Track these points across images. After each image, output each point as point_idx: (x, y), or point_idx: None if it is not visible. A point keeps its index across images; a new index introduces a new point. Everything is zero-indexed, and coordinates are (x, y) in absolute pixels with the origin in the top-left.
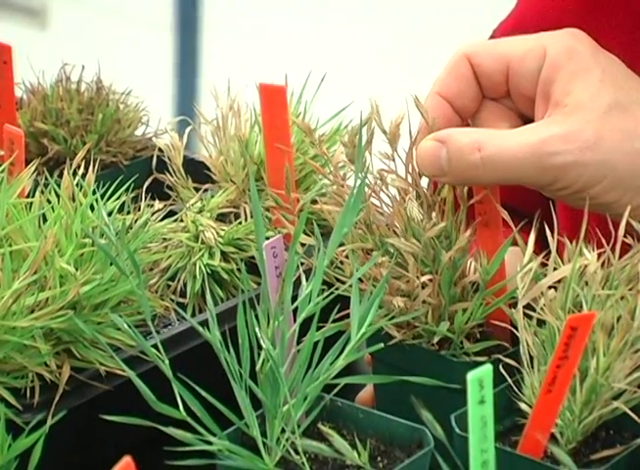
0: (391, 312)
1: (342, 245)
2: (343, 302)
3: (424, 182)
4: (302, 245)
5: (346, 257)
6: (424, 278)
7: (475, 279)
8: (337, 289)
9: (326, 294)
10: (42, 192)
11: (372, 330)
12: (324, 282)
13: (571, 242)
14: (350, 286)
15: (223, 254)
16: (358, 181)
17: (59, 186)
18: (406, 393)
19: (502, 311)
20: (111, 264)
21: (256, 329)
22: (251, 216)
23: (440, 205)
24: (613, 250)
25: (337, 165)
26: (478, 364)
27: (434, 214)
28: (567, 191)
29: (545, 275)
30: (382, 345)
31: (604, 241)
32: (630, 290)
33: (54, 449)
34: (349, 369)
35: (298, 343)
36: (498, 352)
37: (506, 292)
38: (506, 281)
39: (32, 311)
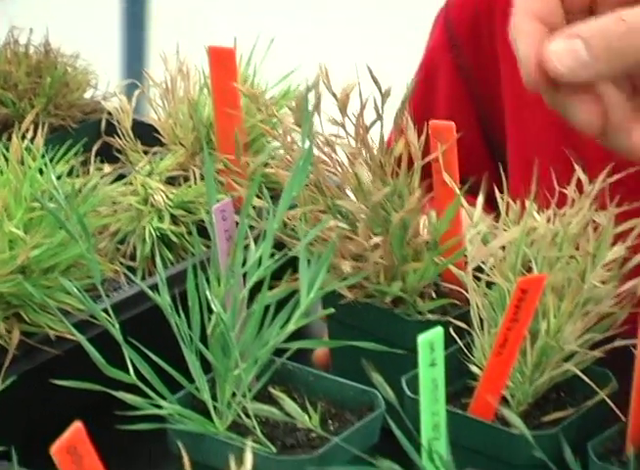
0: (343, 274)
1: (293, 208)
2: (297, 265)
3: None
4: (253, 208)
5: (300, 220)
6: (374, 240)
7: (427, 239)
8: (287, 252)
9: (277, 257)
10: None
11: (321, 293)
12: (279, 246)
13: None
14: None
15: (173, 217)
16: (306, 144)
17: (7, 150)
18: (359, 353)
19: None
20: (60, 228)
21: (207, 292)
22: (202, 179)
23: (394, 166)
24: (561, 210)
25: (286, 129)
26: (430, 323)
27: (384, 176)
28: None
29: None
30: (332, 309)
31: (553, 202)
32: (579, 249)
33: (4, 415)
34: (304, 329)
35: (250, 307)
36: (454, 311)
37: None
38: (456, 240)
39: None
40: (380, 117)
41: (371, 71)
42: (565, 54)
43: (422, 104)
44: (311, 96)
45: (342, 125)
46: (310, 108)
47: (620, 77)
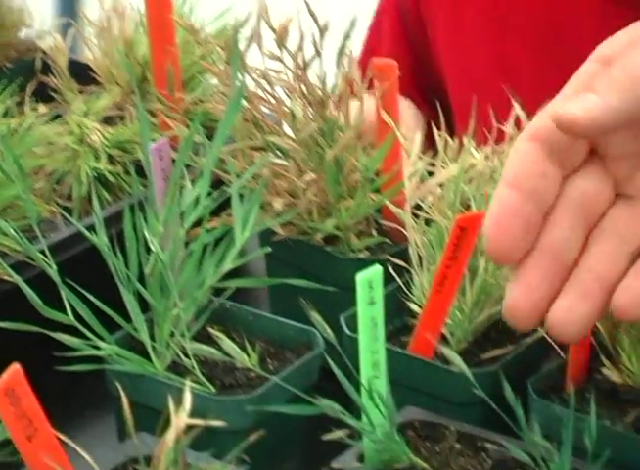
0: (276, 212)
1: (230, 144)
2: None
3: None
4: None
5: (233, 157)
6: (307, 177)
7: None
8: (224, 190)
9: (215, 195)
10: None
11: (254, 231)
12: (219, 183)
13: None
14: (239, 187)
15: (109, 157)
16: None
17: None
18: (298, 292)
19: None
20: None
21: (145, 232)
22: (138, 118)
23: (336, 103)
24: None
25: (221, 66)
26: (367, 261)
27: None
28: None
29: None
30: (268, 248)
31: (491, 139)
32: None
33: None
34: (243, 268)
35: (188, 246)
36: (392, 249)
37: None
38: (389, 176)
39: None
40: (318, 52)
41: (308, 6)
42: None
43: (373, 39)
44: (248, 32)
45: (280, 60)
46: (245, 43)
47: None
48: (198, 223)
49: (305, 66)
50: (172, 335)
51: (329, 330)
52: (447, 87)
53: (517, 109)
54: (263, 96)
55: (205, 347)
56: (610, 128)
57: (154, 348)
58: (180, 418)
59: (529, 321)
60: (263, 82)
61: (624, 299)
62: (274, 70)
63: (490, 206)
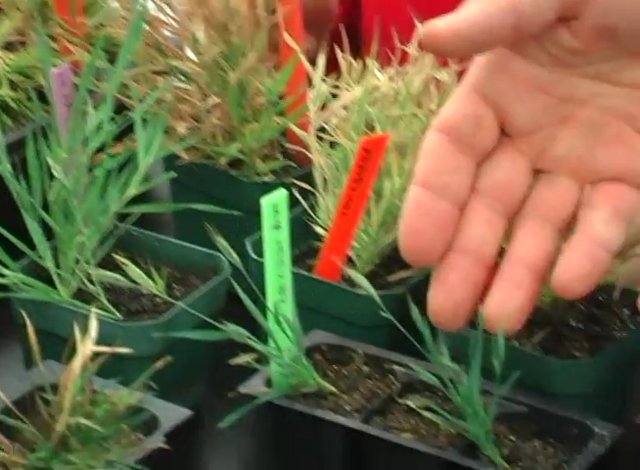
0: (180, 137)
1: (132, 69)
2: None
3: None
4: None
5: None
6: (210, 100)
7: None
8: (127, 116)
9: (118, 121)
10: None
11: (158, 156)
12: (122, 108)
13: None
14: (143, 112)
15: (11, 83)
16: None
17: None
18: (203, 217)
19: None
20: None
21: (48, 159)
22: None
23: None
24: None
25: None
26: (272, 185)
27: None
28: None
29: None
30: (173, 173)
31: (394, 60)
32: (421, 108)
33: None
34: (148, 194)
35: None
36: (297, 172)
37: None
38: (294, 99)
39: None
40: None
41: None
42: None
43: None
44: None
45: None
46: None
47: None
48: (101, 149)
49: None
50: (77, 262)
51: (234, 255)
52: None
53: (420, 30)
54: (165, 20)
55: (110, 273)
56: (481, 44)
57: (59, 275)
58: (86, 345)
59: (455, 321)
60: (164, 6)
61: (566, 277)
62: None
63: (404, 206)
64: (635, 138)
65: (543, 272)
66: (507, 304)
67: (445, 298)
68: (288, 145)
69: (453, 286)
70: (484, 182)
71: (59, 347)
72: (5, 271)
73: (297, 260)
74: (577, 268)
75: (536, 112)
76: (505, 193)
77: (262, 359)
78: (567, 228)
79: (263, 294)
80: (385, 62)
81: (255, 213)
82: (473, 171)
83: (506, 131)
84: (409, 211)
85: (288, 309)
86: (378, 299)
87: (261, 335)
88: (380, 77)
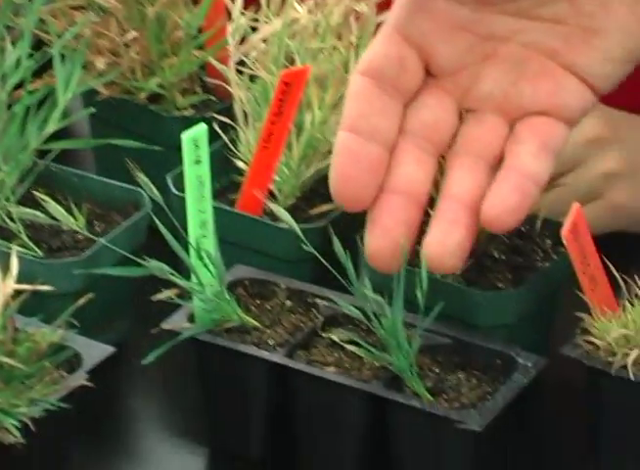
0: (98, 72)
1: (49, 4)
2: None
3: None
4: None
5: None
6: (129, 35)
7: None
8: (45, 51)
9: (36, 57)
10: None
11: (77, 91)
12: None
13: None
14: (61, 47)
15: None
16: None
17: None
18: (124, 152)
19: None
20: None
21: None
22: None
23: None
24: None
25: None
26: (192, 119)
27: None
28: None
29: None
30: (92, 108)
31: None
32: (341, 40)
33: None
34: (67, 130)
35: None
36: (217, 106)
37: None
38: (213, 32)
39: None
40: None
41: None
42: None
43: None
44: None
45: None
46: None
47: None
48: (20, 85)
49: None
50: None
51: (155, 190)
52: None
53: None
54: None
55: (30, 210)
56: None
57: None
58: (7, 283)
59: (393, 263)
60: None
61: (495, 211)
62: None
63: (334, 152)
64: (559, 72)
65: (478, 207)
66: (447, 242)
67: (382, 240)
68: (207, 79)
69: (388, 227)
70: (412, 123)
71: None
72: None
73: (218, 195)
74: (506, 202)
75: (460, 51)
76: (433, 132)
77: (185, 295)
78: (498, 165)
79: (185, 229)
80: None
81: (176, 148)
82: (400, 113)
83: (431, 71)
84: (339, 158)
85: (210, 244)
86: (300, 232)
87: (184, 270)
88: (299, 10)
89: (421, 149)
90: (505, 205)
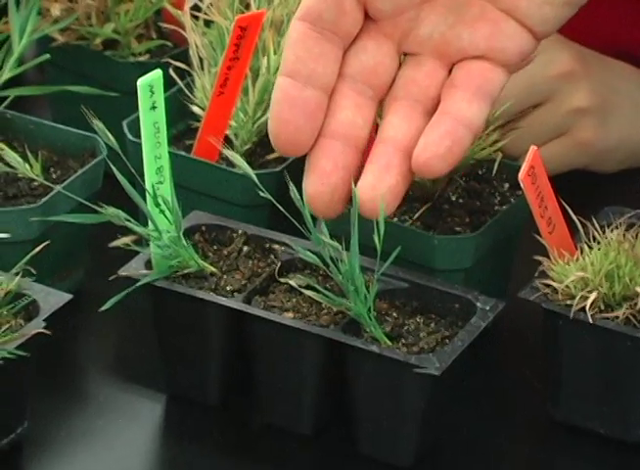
0: (54, 18)
1: None
2: None
3: None
4: None
5: None
6: None
7: None
8: None
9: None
10: None
11: (33, 38)
12: None
13: None
14: None
15: None
16: None
17: None
18: (79, 99)
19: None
20: None
21: None
22: None
23: None
24: None
25: None
26: (148, 65)
27: None
28: None
29: None
30: (47, 55)
31: None
32: None
33: None
34: (22, 77)
35: None
36: (173, 51)
37: None
38: None
39: None
40: None
41: None
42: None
43: None
44: None
45: None
46: None
47: None
48: None
49: None
50: None
51: (111, 137)
52: None
53: None
54: None
55: None
56: None
57: None
58: None
59: (333, 207)
60: None
61: (425, 156)
62: None
63: (272, 98)
64: (498, 16)
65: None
66: (379, 186)
67: (319, 184)
68: (163, 24)
69: (327, 171)
70: (351, 67)
71: None
72: None
73: (174, 141)
74: (437, 147)
75: None
76: (372, 76)
77: (142, 242)
78: (435, 109)
79: (141, 176)
80: None
81: (132, 94)
82: (339, 57)
83: (370, 15)
84: (277, 103)
85: (166, 191)
86: (255, 178)
87: (140, 217)
88: None
89: (360, 93)
90: (435, 150)
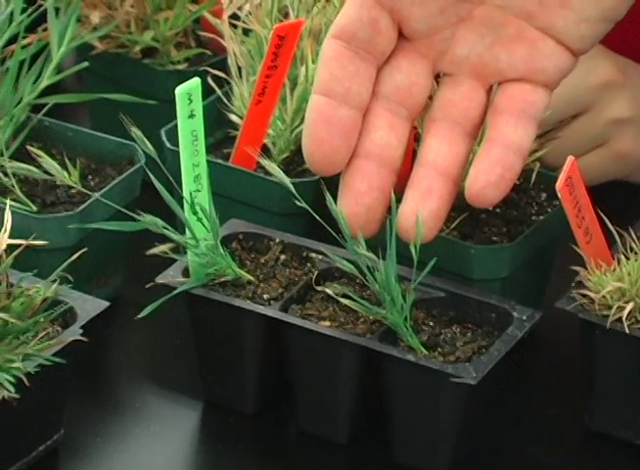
0: (93, 26)
1: None
2: None
3: None
4: None
5: None
6: None
7: None
8: (40, 5)
9: (30, 11)
10: None
11: (72, 46)
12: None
13: None
14: (55, 1)
15: None
16: None
17: None
18: (118, 107)
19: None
20: None
21: None
22: None
23: None
24: None
25: None
26: (186, 73)
27: None
28: None
29: None
30: (86, 63)
31: None
32: None
33: None
34: (61, 85)
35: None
36: (212, 60)
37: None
38: None
39: None
40: None
41: None
42: None
43: None
44: None
45: None
46: None
47: None
48: (14, 40)
49: None
50: None
51: (149, 144)
52: None
53: None
54: None
55: (24, 165)
56: None
57: None
58: (2, 239)
59: (368, 227)
60: None
61: (478, 186)
62: None
63: (306, 116)
64: (535, 35)
65: (455, 175)
66: (421, 212)
67: (355, 204)
68: (201, 33)
69: (361, 192)
70: (385, 86)
71: None
72: None
73: (212, 149)
74: (488, 175)
75: (432, 13)
76: (407, 96)
77: (179, 250)
78: (477, 132)
79: (179, 183)
80: None
81: (170, 103)
82: (373, 76)
83: (404, 34)
84: (311, 121)
85: (204, 199)
86: (291, 187)
87: (178, 225)
88: None
89: (394, 113)
90: (488, 178)
